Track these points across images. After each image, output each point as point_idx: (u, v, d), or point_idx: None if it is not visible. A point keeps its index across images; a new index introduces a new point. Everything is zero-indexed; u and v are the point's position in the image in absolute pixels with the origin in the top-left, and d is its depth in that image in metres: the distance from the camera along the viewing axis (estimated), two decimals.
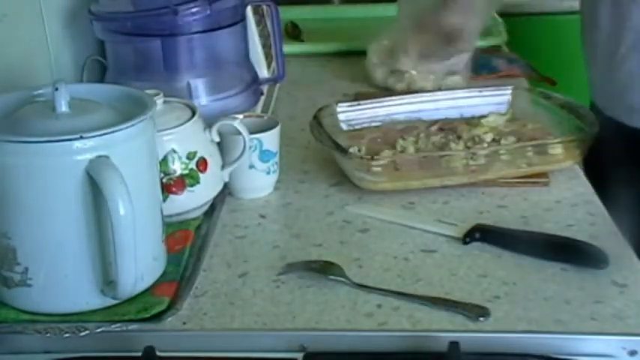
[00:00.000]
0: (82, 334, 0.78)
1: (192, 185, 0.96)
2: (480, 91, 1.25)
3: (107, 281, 0.80)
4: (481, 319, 0.80)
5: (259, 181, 1.06)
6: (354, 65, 1.60)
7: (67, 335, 0.78)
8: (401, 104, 1.23)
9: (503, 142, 1.11)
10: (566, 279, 0.86)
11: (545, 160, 1.09)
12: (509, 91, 1.25)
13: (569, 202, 1.03)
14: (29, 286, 0.79)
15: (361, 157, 1.07)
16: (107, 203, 0.74)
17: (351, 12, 1.95)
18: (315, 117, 1.14)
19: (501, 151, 1.07)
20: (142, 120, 0.79)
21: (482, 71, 1.49)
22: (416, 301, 0.82)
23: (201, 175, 0.97)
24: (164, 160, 0.94)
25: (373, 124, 1.21)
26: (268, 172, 1.06)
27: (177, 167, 0.95)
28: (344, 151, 1.06)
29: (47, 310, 0.81)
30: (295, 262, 0.90)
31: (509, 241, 0.92)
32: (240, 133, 0.99)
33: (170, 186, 0.95)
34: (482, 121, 1.20)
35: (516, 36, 1.71)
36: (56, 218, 0.77)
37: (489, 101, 1.24)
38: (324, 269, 0.87)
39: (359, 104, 1.22)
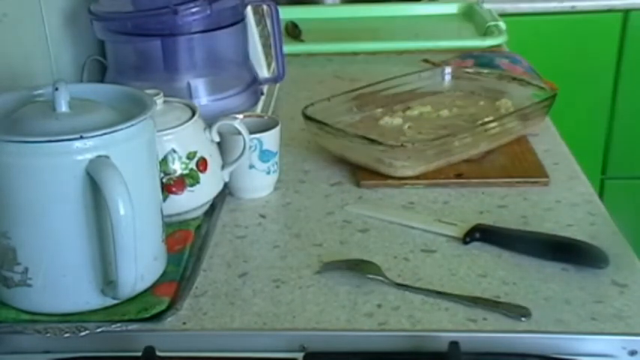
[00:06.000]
0: (82, 334, 0.78)
1: (192, 185, 0.96)
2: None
3: (107, 281, 0.80)
4: (523, 319, 0.79)
5: (259, 181, 1.06)
6: (354, 65, 1.61)
7: (67, 335, 0.78)
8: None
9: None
10: (566, 279, 0.86)
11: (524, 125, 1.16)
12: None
13: (569, 202, 1.03)
14: (29, 286, 0.79)
15: (411, 144, 1.07)
16: (107, 203, 0.74)
17: (351, 12, 1.95)
18: (310, 118, 1.14)
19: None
20: (141, 120, 0.79)
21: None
22: (454, 300, 0.82)
23: (201, 175, 0.97)
24: (164, 160, 0.94)
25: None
26: (268, 172, 1.06)
27: (177, 167, 0.95)
28: (374, 141, 1.07)
29: (47, 310, 0.81)
30: (333, 260, 0.90)
31: (509, 241, 0.93)
32: (240, 133, 0.99)
33: (170, 186, 0.95)
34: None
35: (516, 36, 1.72)
36: (56, 218, 0.77)
37: None
38: (362, 268, 0.87)
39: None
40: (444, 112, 1.23)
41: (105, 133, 0.76)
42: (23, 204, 0.76)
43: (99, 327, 0.78)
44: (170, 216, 0.94)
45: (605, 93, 2.21)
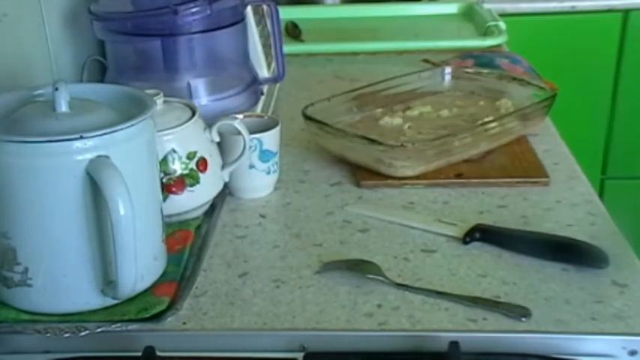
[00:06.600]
0: (82, 334, 0.78)
1: (192, 185, 0.96)
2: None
3: (107, 281, 0.80)
4: (523, 319, 0.79)
5: (259, 181, 1.06)
6: (354, 65, 1.61)
7: (67, 335, 0.78)
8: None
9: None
10: (566, 279, 0.86)
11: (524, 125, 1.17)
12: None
13: (569, 202, 1.03)
14: (29, 286, 0.79)
15: (411, 144, 1.08)
16: (107, 203, 0.74)
17: (351, 12, 1.95)
18: (310, 118, 1.14)
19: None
20: (142, 120, 0.79)
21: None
22: (454, 300, 0.82)
23: (201, 175, 0.97)
24: (164, 160, 0.94)
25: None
26: (268, 172, 1.06)
27: (177, 167, 0.95)
28: (374, 141, 1.07)
29: (47, 310, 0.81)
30: (333, 260, 0.90)
31: (509, 241, 0.92)
32: (240, 133, 0.99)
33: (170, 186, 0.95)
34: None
35: (516, 36, 1.72)
36: (56, 218, 0.77)
37: None
38: (362, 268, 0.87)
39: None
40: (444, 112, 1.23)
41: (105, 133, 0.76)
42: (23, 204, 0.76)
43: (99, 327, 0.78)
44: (170, 216, 0.94)
45: (605, 93, 2.21)
